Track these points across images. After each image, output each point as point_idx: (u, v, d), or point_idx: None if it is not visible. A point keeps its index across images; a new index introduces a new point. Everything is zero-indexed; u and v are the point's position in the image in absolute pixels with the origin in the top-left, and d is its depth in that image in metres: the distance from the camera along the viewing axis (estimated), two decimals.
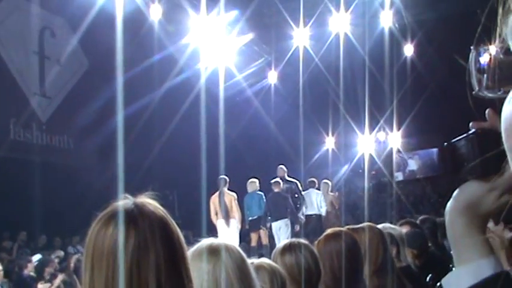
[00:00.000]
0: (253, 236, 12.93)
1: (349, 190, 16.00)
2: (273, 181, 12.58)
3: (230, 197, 12.10)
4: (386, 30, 14.36)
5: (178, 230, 1.56)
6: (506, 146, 0.55)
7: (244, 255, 2.08)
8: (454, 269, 1.17)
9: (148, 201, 1.56)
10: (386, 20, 14.58)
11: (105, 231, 1.47)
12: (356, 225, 3.76)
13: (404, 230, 5.04)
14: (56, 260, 11.37)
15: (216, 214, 12.10)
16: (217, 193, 11.97)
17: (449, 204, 1.15)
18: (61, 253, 12.11)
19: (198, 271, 1.91)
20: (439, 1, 15.43)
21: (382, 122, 15.06)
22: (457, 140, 1.14)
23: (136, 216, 1.48)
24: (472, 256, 1.11)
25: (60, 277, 10.44)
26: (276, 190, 12.44)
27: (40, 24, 15.83)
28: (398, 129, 15.42)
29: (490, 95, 0.59)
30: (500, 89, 0.57)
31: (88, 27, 13.48)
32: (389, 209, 14.79)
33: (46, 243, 13.67)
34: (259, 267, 2.37)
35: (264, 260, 2.60)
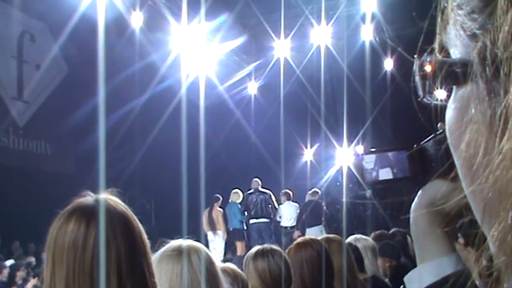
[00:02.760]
0: (239, 245, 13.26)
1: (326, 203, 16.01)
2: (311, 191, 13.56)
3: (217, 212, 13.19)
4: (367, 44, 14.46)
5: (140, 226, 1.57)
6: (451, 148, 0.58)
7: (212, 257, 2.09)
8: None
9: (110, 197, 1.57)
10: (367, 34, 14.69)
11: (66, 227, 1.48)
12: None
13: (376, 241, 5.09)
14: (29, 266, 11.27)
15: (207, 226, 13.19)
16: (208, 208, 13.14)
17: (414, 202, 1.17)
18: (32, 259, 11.98)
19: (167, 272, 1.91)
20: (420, 16, 15.57)
21: (360, 135, 15.12)
22: (426, 141, 1.15)
23: (97, 211, 1.49)
24: (433, 254, 1.14)
25: (32, 281, 10.36)
26: (312, 198, 13.27)
27: (19, 28, 15.73)
28: (376, 142, 15.49)
29: (435, 101, 0.61)
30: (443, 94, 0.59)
31: (69, 33, 13.41)
32: (366, 221, 14.86)
33: (20, 249, 13.53)
34: (222, 272, 2.38)
35: (228, 265, 2.62)
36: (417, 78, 0.62)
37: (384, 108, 15.26)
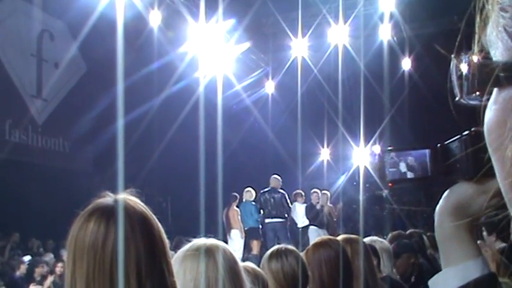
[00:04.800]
0: (249, 246, 13.25)
1: (343, 203, 15.96)
2: (312, 191, 13.61)
3: (234, 212, 13.26)
4: (385, 43, 14.38)
5: (160, 226, 1.58)
6: (489, 148, 0.56)
7: (236, 256, 2.10)
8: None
9: (129, 197, 1.58)
10: (385, 33, 14.61)
11: (86, 227, 1.49)
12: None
13: (394, 241, 5.10)
14: (47, 263, 11.37)
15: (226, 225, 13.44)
16: (226, 208, 13.30)
17: (439, 204, 1.16)
18: (51, 256, 12.07)
19: (192, 271, 1.92)
20: (438, 15, 15.49)
21: (377, 135, 15.03)
22: (451, 142, 1.14)
23: (116, 212, 1.50)
24: (459, 257, 1.13)
25: (50, 278, 10.45)
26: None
27: (39, 26, 15.85)
28: (393, 142, 15.40)
29: (472, 102, 0.59)
30: (481, 96, 0.57)
31: (87, 32, 13.48)
32: (383, 222, 14.80)
33: (39, 245, 13.63)
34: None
35: (248, 264, 2.62)
36: (454, 78, 0.60)
37: (401, 107, 15.17)
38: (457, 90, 0.61)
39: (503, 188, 0.55)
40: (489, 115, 0.55)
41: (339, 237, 3.62)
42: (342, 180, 17.62)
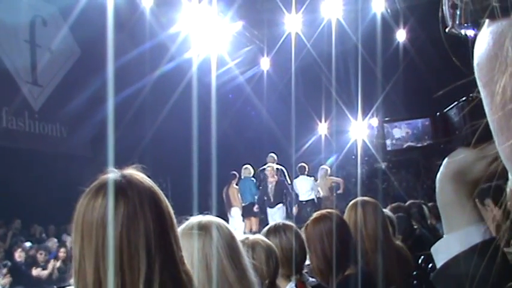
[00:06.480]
0: (247, 223, 13.19)
1: (341, 177, 15.97)
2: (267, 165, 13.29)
3: (234, 190, 13.46)
4: (379, 16, 14.31)
5: (167, 200, 1.58)
6: (479, 83, 0.55)
7: (233, 232, 2.09)
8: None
9: (136, 172, 1.58)
10: (379, 5, 14.53)
11: (94, 202, 1.49)
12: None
13: (393, 213, 5.15)
14: (49, 248, 11.43)
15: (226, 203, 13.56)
16: (226, 186, 13.47)
17: (439, 171, 1.16)
18: (54, 240, 12.12)
19: (188, 249, 1.92)
20: None
21: (374, 108, 15.02)
22: (449, 109, 1.15)
23: (124, 187, 1.50)
24: (461, 223, 1.13)
25: (53, 263, 10.51)
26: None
27: (31, 12, 15.72)
28: (391, 114, 15.37)
29: (463, 31, 0.59)
30: (473, 27, 0.57)
31: (79, 15, 13.40)
32: (382, 194, 14.84)
33: (41, 231, 13.68)
34: (255, 244, 2.39)
35: (259, 237, 2.63)
36: (446, 7, 0.59)
37: (398, 79, 15.14)
38: (448, 20, 0.60)
39: (492, 124, 0.54)
40: (480, 49, 0.54)
41: (355, 200, 3.67)
42: (336, 155, 17.61)
